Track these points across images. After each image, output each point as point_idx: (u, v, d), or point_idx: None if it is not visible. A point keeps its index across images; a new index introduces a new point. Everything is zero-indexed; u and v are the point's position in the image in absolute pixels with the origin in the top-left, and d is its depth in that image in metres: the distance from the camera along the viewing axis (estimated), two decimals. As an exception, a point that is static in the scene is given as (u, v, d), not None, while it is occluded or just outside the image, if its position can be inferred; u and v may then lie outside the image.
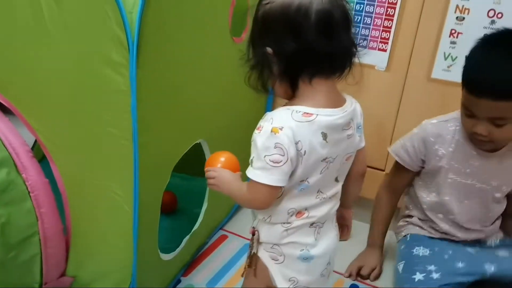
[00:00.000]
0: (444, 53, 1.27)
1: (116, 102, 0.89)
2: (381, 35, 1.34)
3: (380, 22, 1.33)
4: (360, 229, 1.38)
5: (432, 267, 1.11)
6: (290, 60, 0.75)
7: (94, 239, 1.03)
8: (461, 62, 1.08)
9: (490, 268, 1.13)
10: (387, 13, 1.31)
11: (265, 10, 0.75)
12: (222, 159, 0.86)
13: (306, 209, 0.82)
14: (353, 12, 1.35)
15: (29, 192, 0.97)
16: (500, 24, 1.14)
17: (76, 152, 0.98)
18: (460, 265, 1.14)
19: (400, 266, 1.19)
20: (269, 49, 0.75)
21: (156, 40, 0.90)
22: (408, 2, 1.28)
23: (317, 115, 0.74)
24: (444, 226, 1.21)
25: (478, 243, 1.21)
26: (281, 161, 0.73)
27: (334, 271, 1.32)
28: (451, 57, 1.25)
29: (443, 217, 1.21)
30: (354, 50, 0.77)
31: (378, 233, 1.36)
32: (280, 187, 0.77)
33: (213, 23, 1.13)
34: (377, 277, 1.33)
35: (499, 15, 1.19)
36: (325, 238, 0.86)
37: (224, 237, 1.45)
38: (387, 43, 1.34)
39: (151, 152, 0.96)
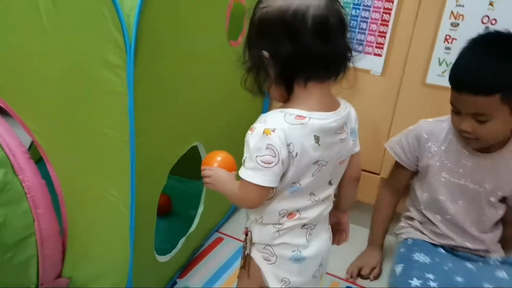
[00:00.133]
0: (439, 58, 1.28)
1: (113, 103, 0.90)
2: (376, 40, 1.35)
3: (375, 27, 1.34)
4: (356, 233, 1.38)
5: (430, 276, 1.10)
6: (286, 64, 0.75)
7: (91, 240, 1.04)
8: (455, 68, 1.10)
9: None
10: (383, 18, 1.33)
11: (262, 13, 0.76)
12: (219, 158, 0.88)
13: (297, 210, 0.82)
14: (349, 17, 1.36)
15: (25, 193, 0.97)
16: (494, 30, 1.16)
17: (72, 153, 0.99)
18: (459, 279, 1.12)
19: (398, 268, 1.18)
20: (265, 52, 0.76)
21: (153, 43, 0.91)
22: (404, 8, 1.30)
23: (310, 118, 0.75)
24: (443, 228, 1.21)
25: (480, 257, 1.20)
26: (272, 162, 0.74)
27: (330, 274, 1.33)
28: (446, 62, 1.27)
29: (441, 218, 1.22)
30: (349, 55, 0.78)
31: (378, 233, 1.36)
32: (271, 187, 0.78)
33: (210, 27, 1.14)
34: (377, 277, 1.34)
35: (493, 21, 1.20)
36: (317, 240, 0.87)
37: (220, 239, 1.46)
38: (383, 48, 1.35)
39: (147, 154, 0.96)
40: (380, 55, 1.36)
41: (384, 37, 1.34)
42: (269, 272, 0.86)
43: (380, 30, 1.34)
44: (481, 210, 1.18)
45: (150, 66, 0.91)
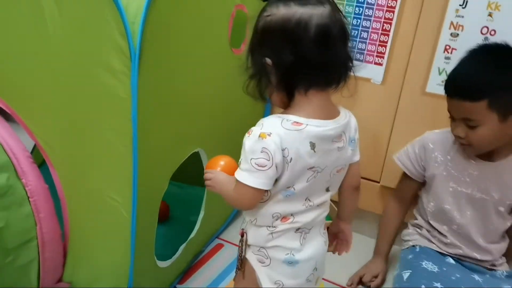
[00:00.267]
0: (439, 68, 1.29)
1: (115, 108, 0.91)
2: (377, 49, 1.36)
3: (376, 36, 1.36)
4: (354, 240, 1.38)
5: (438, 285, 1.10)
6: (288, 72, 0.77)
7: (92, 245, 1.04)
8: (454, 77, 1.12)
9: None
10: (383, 28, 1.34)
11: (266, 21, 0.77)
12: (222, 163, 0.90)
13: (291, 214, 0.83)
14: (350, 27, 1.37)
15: (28, 197, 0.98)
16: (493, 41, 1.17)
17: (75, 157, 0.99)
18: None
19: (406, 275, 1.17)
20: (268, 60, 0.77)
21: (157, 50, 0.92)
22: (404, 18, 1.31)
23: (307, 125, 0.76)
24: (450, 237, 1.21)
25: (487, 270, 1.20)
26: (266, 166, 0.76)
27: (329, 281, 1.33)
28: (445, 72, 1.28)
29: (447, 228, 1.22)
30: (350, 64, 0.80)
31: (383, 243, 1.36)
32: (265, 190, 0.79)
33: (213, 34, 1.15)
34: (378, 286, 1.33)
35: (492, 32, 1.21)
36: (311, 244, 0.87)
37: (220, 246, 1.46)
38: (383, 57, 1.36)
39: (149, 159, 0.97)
40: (380, 64, 1.37)
41: (385, 46, 1.35)
42: (263, 274, 0.87)
43: (381, 39, 1.35)
44: (488, 220, 1.18)
45: (153, 73, 0.92)
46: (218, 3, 1.14)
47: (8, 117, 1.02)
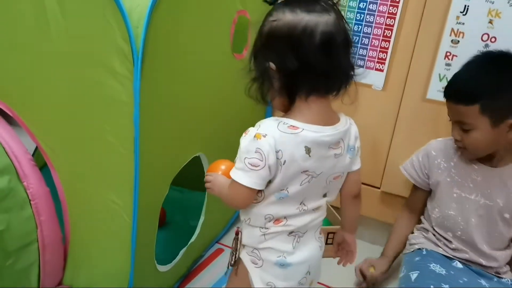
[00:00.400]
0: (439, 74, 1.30)
1: (117, 112, 0.91)
2: (378, 55, 1.37)
3: (377, 43, 1.36)
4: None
5: (446, 287, 1.10)
6: (291, 77, 0.77)
7: (92, 248, 1.04)
8: (455, 84, 1.13)
9: None
10: (385, 34, 1.35)
11: (271, 26, 0.78)
12: (223, 167, 0.91)
13: (285, 217, 0.84)
14: (352, 33, 1.38)
15: (29, 200, 0.98)
16: (494, 48, 1.18)
17: (76, 160, 1.00)
18: None
19: (413, 275, 1.17)
20: (272, 64, 0.78)
21: (160, 55, 0.93)
22: (405, 24, 1.32)
23: (303, 129, 0.77)
24: (455, 243, 1.22)
25: (494, 274, 1.19)
26: (259, 166, 0.77)
27: (325, 285, 1.33)
28: (446, 78, 1.28)
29: (452, 235, 1.22)
30: (352, 72, 0.80)
31: (391, 248, 1.36)
32: (259, 190, 0.80)
33: (215, 39, 1.15)
34: (374, 279, 1.31)
35: (493, 39, 1.22)
36: (305, 248, 0.87)
37: (220, 251, 1.46)
38: (384, 63, 1.37)
39: (150, 163, 0.97)
40: (381, 70, 1.38)
41: (386, 52, 1.36)
42: (256, 275, 0.87)
43: (382, 45, 1.36)
44: (493, 226, 1.18)
45: (155, 77, 0.93)
46: (220, 8, 1.15)
47: (11, 121, 1.03)
